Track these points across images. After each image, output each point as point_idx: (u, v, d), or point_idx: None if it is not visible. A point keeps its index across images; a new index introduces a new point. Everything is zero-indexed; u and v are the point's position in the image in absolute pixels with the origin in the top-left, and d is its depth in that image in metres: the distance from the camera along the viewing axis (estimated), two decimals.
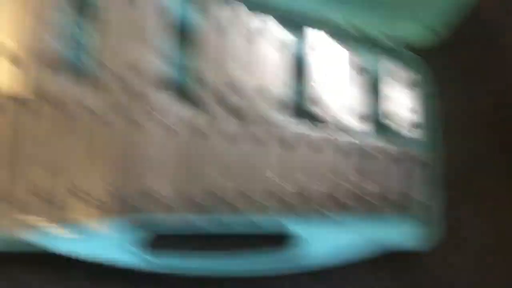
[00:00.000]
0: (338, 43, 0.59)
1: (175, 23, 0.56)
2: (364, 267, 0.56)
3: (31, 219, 0.48)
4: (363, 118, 0.58)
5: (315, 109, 0.57)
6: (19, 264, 0.48)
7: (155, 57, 0.54)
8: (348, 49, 0.59)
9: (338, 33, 0.59)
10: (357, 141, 0.57)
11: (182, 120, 0.53)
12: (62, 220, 0.48)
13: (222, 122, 0.55)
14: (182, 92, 0.55)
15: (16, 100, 0.48)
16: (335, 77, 0.58)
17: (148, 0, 0.53)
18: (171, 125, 0.54)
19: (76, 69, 0.51)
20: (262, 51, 0.56)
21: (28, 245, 0.46)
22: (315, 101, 0.57)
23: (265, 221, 0.54)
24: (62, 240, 0.48)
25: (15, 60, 0.48)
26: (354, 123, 0.58)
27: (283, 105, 0.56)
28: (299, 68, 0.59)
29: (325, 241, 0.54)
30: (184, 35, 0.59)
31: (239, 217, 0.53)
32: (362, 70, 0.59)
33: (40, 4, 0.50)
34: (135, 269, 0.48)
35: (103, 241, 0.49)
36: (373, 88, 0.59)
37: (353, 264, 0.53)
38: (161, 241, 0.51)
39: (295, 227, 0.55)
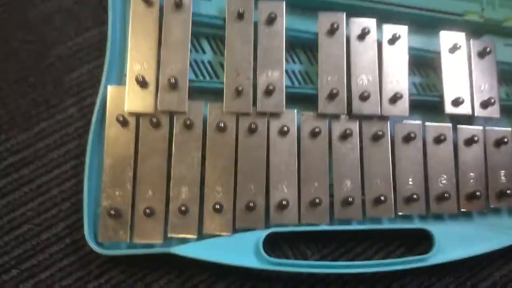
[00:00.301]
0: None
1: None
2: (494, 259, 0.62)
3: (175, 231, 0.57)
4: (489, 104, 0.62)
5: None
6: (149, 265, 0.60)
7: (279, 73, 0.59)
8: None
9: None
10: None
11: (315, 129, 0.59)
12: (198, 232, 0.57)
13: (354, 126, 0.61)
14: (310, 101, 0.61)
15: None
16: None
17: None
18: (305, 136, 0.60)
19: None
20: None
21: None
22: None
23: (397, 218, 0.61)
24: (196, 247, 0.57)
25: (142, 83, 0.56)
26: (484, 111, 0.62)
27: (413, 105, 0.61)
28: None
29: (455, 235, 0.59)
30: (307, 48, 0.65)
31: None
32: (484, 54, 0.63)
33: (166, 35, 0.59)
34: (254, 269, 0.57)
35: (230, 246, 0.57)
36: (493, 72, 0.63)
37: (483, 256, 0.59)
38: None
39: (425, 222, 0.62)
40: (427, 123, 0.61)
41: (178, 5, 0.59)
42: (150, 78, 0.57)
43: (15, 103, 0.62)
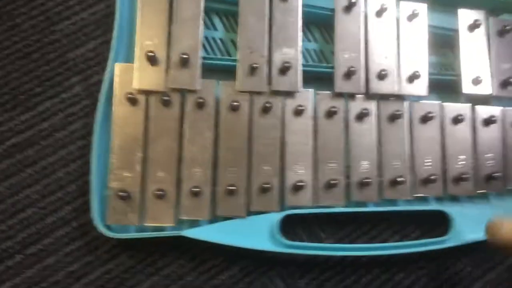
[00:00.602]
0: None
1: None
2: None
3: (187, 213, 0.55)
4: (508, 83, 0.61)
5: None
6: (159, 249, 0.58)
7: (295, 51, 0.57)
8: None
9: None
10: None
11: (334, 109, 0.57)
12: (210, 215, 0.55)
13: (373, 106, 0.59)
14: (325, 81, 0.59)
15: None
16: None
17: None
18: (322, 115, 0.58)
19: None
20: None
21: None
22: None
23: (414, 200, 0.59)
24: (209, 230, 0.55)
25: (152, 59, 0.54)
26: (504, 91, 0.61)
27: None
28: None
29: (472, 216, 0.58)
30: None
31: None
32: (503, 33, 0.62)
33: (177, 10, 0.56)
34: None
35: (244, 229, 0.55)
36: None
37: None
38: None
39: (442, 203, 0.60)
40: (445, 103, 0.60)
41: None
42: (161, 55, 0.55)
43: (18, 81, 0.59)
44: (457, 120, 0.59)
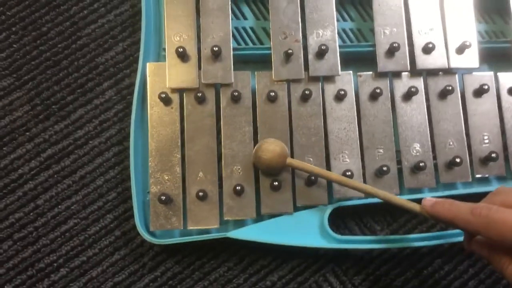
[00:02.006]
0: None
1: None
2: None
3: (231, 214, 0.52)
4: None
5: None
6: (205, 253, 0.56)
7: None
8: None
9: None
10: None
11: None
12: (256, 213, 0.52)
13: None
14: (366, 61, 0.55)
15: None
16: None
17: None
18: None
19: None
20: None
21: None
22: None
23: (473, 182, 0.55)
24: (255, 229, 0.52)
25: (183, 56, 0.52)
26: None
27: None
28: None
29: None
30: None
31: None
32: None
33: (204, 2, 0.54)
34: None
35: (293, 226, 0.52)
36: None
37: None
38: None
39: (505, 182, 0.56)
40: (499, 73, 0.55)
41: None
42: (191, 50, 0.53)
43: (49, 91, 0.58)
44: None
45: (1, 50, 0.58)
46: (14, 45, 0.59)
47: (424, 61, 0.54)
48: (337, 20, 0.55)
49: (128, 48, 0.59)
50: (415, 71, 0.54)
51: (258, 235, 0.52)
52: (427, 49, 0.53)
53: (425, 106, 0.54)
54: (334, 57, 0.53)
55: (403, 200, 0.47)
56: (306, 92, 0.52)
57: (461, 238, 0.52)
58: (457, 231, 0.52)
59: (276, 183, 0.51)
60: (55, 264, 0.55)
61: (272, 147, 0.49)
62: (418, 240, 0.53)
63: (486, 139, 0.54)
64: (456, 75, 0.55)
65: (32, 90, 0.58)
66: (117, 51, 0.59)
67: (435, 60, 0.54)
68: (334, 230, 0.52)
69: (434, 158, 0.53)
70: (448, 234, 0.53)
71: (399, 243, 0.53)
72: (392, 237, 0.54)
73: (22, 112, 0.57)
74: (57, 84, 0.58)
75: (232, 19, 0.55)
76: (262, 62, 0.54)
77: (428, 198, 0.44)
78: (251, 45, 0.58)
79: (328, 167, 0.53)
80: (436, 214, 0.43)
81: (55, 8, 0.60)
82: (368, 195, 0.49)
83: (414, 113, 0.54)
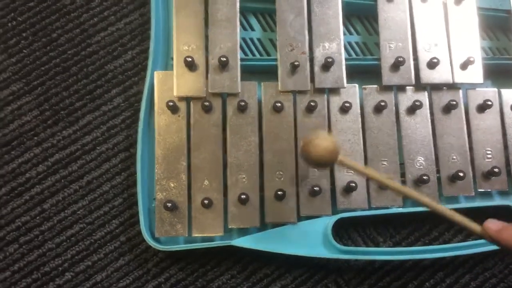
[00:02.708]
0: None
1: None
2: None
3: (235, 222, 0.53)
4: None
5: None
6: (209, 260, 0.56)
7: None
8: None
9: None
10: None
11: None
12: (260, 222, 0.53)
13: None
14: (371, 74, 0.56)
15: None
16: None
17: None
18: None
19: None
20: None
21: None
22: None
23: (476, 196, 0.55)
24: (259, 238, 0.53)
25: (191, 65, 0.53)
26: None
27: None
28: None
29: None
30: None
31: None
32: None
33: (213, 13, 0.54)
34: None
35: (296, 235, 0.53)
36: None
37: None
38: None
39: (507, 198, 0.56)
40: (503, 89, 0.56)
41: None
42: (199, 60, 0.53)
43: (58, 96, 0.59)
44: None
45: (12, 56, 0.59)
46: (24, 51, 0.59)
47: (429, 76, 0.54)
48: (343, 34, 0.56)
49: (137, 56, 0.60)
50: (419, 85, 0.55)
51: (262, 244, 0.52)
52: (432, 64, 0.54)
53: (429, 120, 0.54)
54: (339, 70, 0.54)
55: (463, 218, 0.42)
56: (312, 103, 0.53)
57: (460, 252, 0.53)
58: (460, 244, 0.53)
59: (280, 193, 0.52)
60: (60, 268, 0.55)
61: (326, 144, 0.44)
62: (420, 252, 0.53)
63: (489, 154, 0.54)
64: (460, 91, 0.55)
65: (41, 95, 0.59)
66: (126, 59, 0.60)
67: (440, 75, 0.54)
68: (337, 240, 0.53)
69: (437, 171, 0.54)
70: (450, 247, 0.53)
71: (401, 255, 0.53)
72: (394, 249, 0.55)
73: (31, 116, 0.58)
74: (66, 90, 0.59)
75: (239, 30, 0.55)
76: (269, 73, 0.55)
77: (492, 220, 0.40)
78: (258, 56, 0.59)
79: (332, 178, 0.53)
80: (503, 241, 0.39)
81: (66, 15, 0.61)
82: (422, 205, 0.44)
83: (418, 126, 0.54)
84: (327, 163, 0.46)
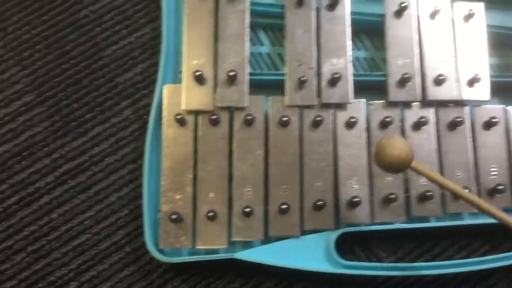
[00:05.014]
0: None
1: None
2: None
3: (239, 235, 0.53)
4: None
5: None
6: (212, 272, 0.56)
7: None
8: None
9: None
10: None
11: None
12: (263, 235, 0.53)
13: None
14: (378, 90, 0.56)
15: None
16: None
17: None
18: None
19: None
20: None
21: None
22: None
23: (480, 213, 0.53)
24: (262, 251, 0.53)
25: (199, 79, 0.54)
26: None
27: None
28: None
29: None
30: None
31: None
32: None
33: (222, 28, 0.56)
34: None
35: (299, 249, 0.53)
36: None
37: None
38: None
39: None
40: (509, 107, 0.56)
41: None
42: (208, 74, 0.54)
43: (69, 108, 0.60)
44: None
45: (25, 67, 0.61)
46: (37, 63, 0.61)
47: (435, 92, 0.55)
48: (352, 49, 0.56)
49: (147, 69, 0.61)
50: (425, 102, 0.55)
51: (265, 257, 0.52)
52: (438, 81, 0.54)
53: (435, 136, 0.55)
54: (346, 85, 0.55)
55: None
56: (318, 118, 0.54)
57: (463, 269, 0.52)
58: (464, 261, 0.53)
59: (284, 206, 0.52)
60: (65, 278, 0.56)
61: (402, 146, 0.44)
62: (423, 268, 0.53)
63: (494, 171, 0.54)
64: (466, 107, 0.55)
65: (52, 106, 0.60)
66: (136, 72, 0.61)
67: (446, 92, 0.55)
68: (340, 255, 0.53)
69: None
70: (453, 264, 0.53)
71: (404, 270, 0.53)
72: (397, 264, 0.55)
73: (41, 127, 0.59)
74: (77, 101, 0.60)
75: (249, 45, 0.56)
76: (276, 87, 0.56)
77: None
78: (266, 70, 0.60)
79: (336, 192, 0.54)
80: None
81: (79, 28, 0.62)
82: (496, 219, 0.45)
83: (423, 142, 0.55)
84: (400, 169, 0.45)
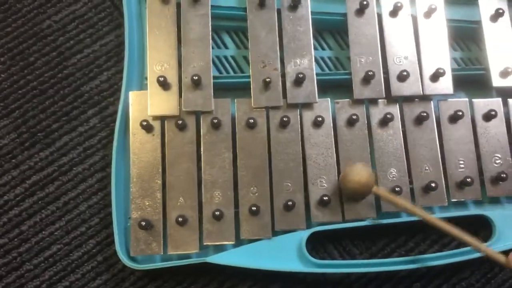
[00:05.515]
0: None
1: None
2: None
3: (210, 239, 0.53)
4: None
5: None
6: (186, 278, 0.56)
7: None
8: None
9: None
10: None
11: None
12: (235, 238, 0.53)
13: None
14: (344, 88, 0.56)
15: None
16: None
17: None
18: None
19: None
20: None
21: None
22: None
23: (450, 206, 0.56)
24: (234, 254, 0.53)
25: (164, 84, 0.53)
26: None
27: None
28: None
29: None
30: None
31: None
32: None
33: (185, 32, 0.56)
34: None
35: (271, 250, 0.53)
36: None
37: None
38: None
39: (482, 207, 0.57)
40: (474, 100, 0.56)
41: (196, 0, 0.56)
42: (172, 79, 0.54)
43: (36, 119, 0.59)
44: (489, 116, 0.55)
45: None
46: (2, 75, 0.60)
47: (399, 88, 0.55)
48: (316, 49, 0.57)
49: (113, 77, 0.61)
50: (390, 98, 0.55)
51: (237, 260, 0.52)
52: (402, 77, 0.54)
53: (401, 132, 0.55)
54: (311, 85, 0.55)
55: (488, 249, 0.48)
56: (285, 119, 0.54)
57: (436, 263, 0.53)
58: (436, 254, 0.53)
59: (255, 208, 0.52)
60: None
61: (363, 172, 0.50)
62: (396, 263, 0.53)
63: (461, 164, 0.55)
64: (432, 102, 0.56)
65: (18, 118, 0.59)
66: (101, 80, 0.61)
67: (410, 87, 0.55)
68: (314, 254, 0.53)
69: (411, 183, 0.54)
70: (426, 258, 0.53)
71: (377, 267, 0.53)
72: (370, 261, 0.55)
73: (8, 139, 0.59)
74: (43, 112, 0.59)
75: (213, 48, 0.56)
76: (243, 90, 0.56)
77: None
78: (232, 73, 0.59)
79: (306, 192, 0.54)
80: None
81: (42, 38, 0.61)
82: (455, 238, 0.49)
83: (390, 139, 0.55)
84: (362, 193, 0.51)
